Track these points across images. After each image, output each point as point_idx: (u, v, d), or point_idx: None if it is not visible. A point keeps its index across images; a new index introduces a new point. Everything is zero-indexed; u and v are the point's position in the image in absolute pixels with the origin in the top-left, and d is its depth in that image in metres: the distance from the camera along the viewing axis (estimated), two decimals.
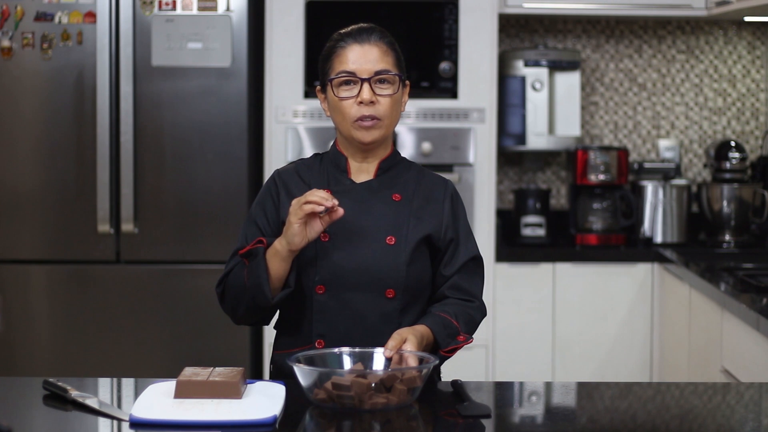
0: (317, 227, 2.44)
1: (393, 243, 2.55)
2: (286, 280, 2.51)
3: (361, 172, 2.62)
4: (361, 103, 2.54)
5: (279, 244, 2.48)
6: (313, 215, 2.43)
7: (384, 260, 2.54)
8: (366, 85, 2.54)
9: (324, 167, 2.64)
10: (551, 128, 4.87)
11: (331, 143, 2.67)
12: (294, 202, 2.45)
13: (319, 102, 2.65)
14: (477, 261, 2.64)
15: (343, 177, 2.62)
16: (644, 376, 4.64)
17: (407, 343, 2.39)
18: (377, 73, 2.54)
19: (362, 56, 2.55)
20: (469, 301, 2.61)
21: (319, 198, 2.41)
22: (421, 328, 2.46)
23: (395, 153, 2.66)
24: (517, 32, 5.13)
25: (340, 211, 2.43)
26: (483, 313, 2.64)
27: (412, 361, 2.34)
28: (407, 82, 2.63)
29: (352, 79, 2.54)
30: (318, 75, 2.64)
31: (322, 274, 2.53)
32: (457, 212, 2.64)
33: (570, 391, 2.54)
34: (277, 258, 2.49)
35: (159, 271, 4.46)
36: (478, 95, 4.56)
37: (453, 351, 2.51)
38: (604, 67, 5.15)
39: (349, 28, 2.60)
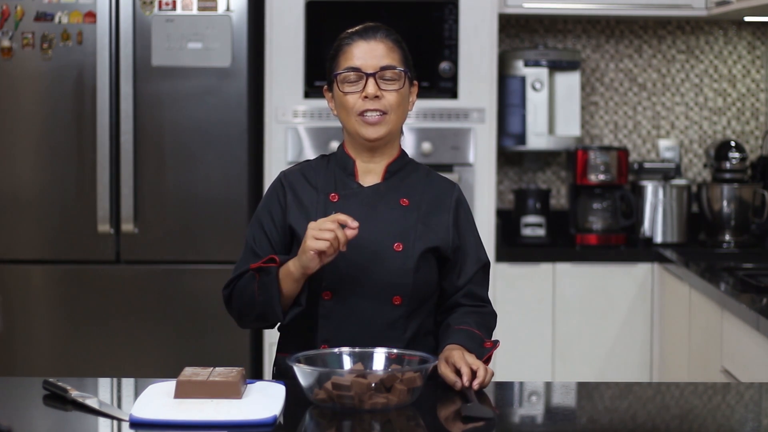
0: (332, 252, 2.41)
1: (400, 249, 2.53)
2: (297, 297, 2.50)
3: (369, 173, 2.60)
4: (365, 97, 2.53)
5: (293, 266, 2.45)
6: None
7: (391, 267, 2.52)
8: (371, 80, 2.52)
9: (331, 169, 2.61)
10: (551, 128, 4.87)
11: (338, 144, 2.66)
12: (311, 226, 2.40)
13: (327, 102, 2.63)
14: (486, 267, 2.64)
15: (350, 180, 2.59)
16: (644, 376, 4.64)
17: (467, 356, 2.38)
18: (383, 68, 2.53)
19: (368, 52, 2.53)
20: (482, 306, 2.61)
21: (339, 234, 2.37)
22: (457, 348, 2.45)
23: (403, 154, 2.64)
24: (517, 32, 5.13)
25: (355, 233, 2.40)
26: (495, 317, 2.64)
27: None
28: (415, 82, 2.62)
29: (357, 74, 2.53)
30: (322, 75, 2.64)
31: (328, 279, 2.51)
32: (466, 219, 2.63)
33: (570, 391, 2.54)
34: (290, 279, 2.46)
35: (159, 271, 4.46)
36: (478, 95, 4.56)
37: (488, 360, 2.50)
38: (604, 67, 5.15)
39: (356, 27, 2.59)
